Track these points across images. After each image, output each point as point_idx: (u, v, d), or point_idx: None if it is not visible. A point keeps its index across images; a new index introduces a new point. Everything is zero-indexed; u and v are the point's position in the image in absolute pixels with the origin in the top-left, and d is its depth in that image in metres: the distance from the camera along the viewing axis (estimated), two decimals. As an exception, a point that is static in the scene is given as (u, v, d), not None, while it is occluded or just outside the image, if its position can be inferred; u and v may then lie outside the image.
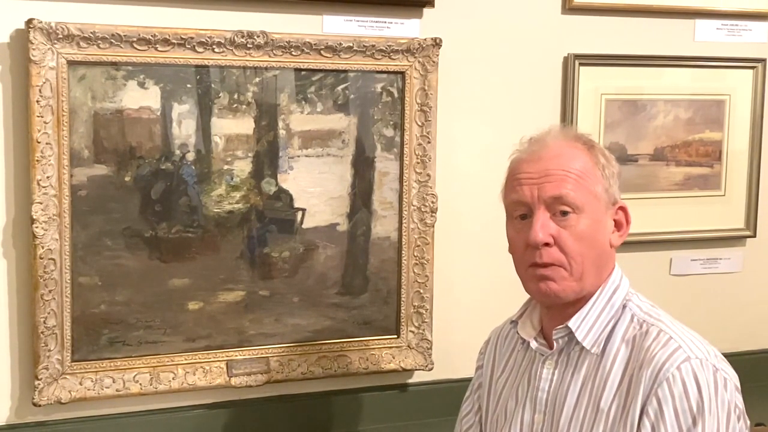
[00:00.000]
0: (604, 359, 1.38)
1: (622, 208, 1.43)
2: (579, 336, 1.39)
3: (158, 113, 1.88)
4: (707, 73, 2.35)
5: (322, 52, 1.97)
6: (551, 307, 1.44)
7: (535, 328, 1.50)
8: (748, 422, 1.39)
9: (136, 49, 1.83)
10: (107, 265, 1.87)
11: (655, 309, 1.43)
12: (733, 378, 1.35)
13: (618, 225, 1.43)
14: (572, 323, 1.40)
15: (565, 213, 1.37)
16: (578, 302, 1.41)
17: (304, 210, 2.02)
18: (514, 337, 1.57)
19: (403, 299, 2.11)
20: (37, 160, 1.78)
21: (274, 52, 1.93)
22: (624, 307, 1.41)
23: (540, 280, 1.39)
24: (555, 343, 1.43)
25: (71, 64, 1.79)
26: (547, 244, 1.37)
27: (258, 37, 1.91)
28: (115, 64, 1.83)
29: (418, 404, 2.15)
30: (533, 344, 1.47)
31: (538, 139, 1.45)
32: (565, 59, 2.22)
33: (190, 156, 1.92)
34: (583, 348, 1.40)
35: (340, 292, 2.07)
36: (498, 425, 1.53)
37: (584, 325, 1.40)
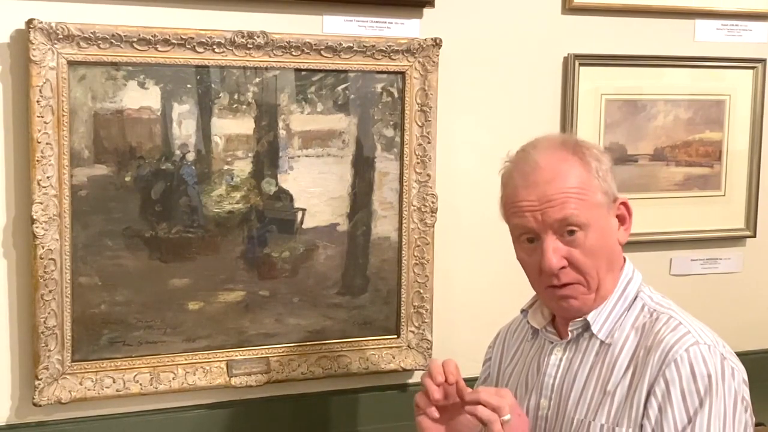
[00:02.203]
0: (613, 345, 1.41)
1: (623, 203, 1.44)
2: (595, 329, 1.42)
3: (158, 113, 1.88)
4: (707, 73, 2.35)
5: (322, 52, 1.97)
6: None
7: (545, 318, 1.52)
8: (754, 418, 1.39)
9: (136, 49, 1.83)
10: (107, 265, 1.87)
11: (666, 300, 1.46)
12: (741, 371, 1.37)
13: (621, 219, 1.44)
14: (591, 317, 1.42)
15: (572, 232, 1.38)
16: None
17: (304, 210, 2.02)
18: (522, 330, 1.60)
19: (403, 299, 2.11)
20: (38, 160, 1.78)
21: (274, 52, 1.93)
22: (636, 297, 1.44)
23: (561, 299, 1.42)
24: (570, 334, 1.45)
25: (71, 64, 1.79)
26: (562, 267, 1.38)
27: (258, 37, 1.91)
28: (115, 65, 1.83)
29: (418, 404, 2.15)
30: (544, 333, 1.50)
31: (527, 158, 1.42)
32: (565, 59, 2.22)
33: (191, 156, 1.92)
34: (592, 335, 1.42)
35: (340, 292, 2.07)
36: None
37: (600, 317, 1.43)
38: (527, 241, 1.42)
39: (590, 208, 1.38)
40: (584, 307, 1.42)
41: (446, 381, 1.43)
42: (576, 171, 1.39)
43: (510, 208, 1.43)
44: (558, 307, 1.44)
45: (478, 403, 1.35)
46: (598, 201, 1.39)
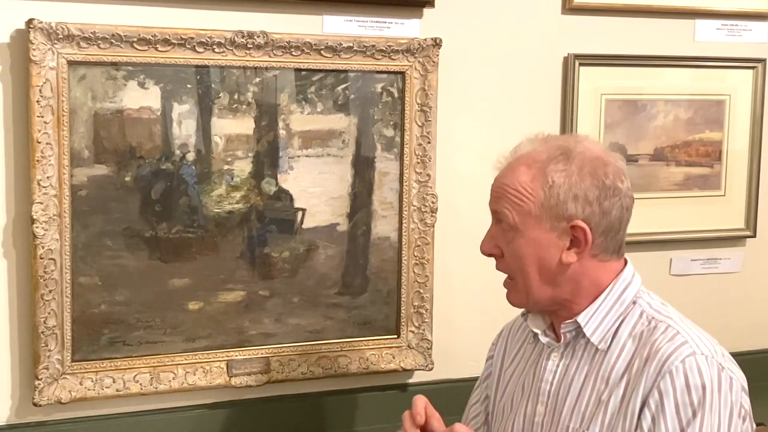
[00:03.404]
0: (609, 353, 1.40)
1: (580, 228, 1.38)
2: (587, 331, 1.41)
3: (158, 113, 1.88)
4: (707, 73, 2.35)
5: (322, 52, 1.97)
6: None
7: (545, 321, 1.52)
8: (754, 426, 1.39)
9: (136, 49, 1.83)
10: (107, 265, 1.87)
11: (666, 306, 1.44)
12: (740, 379, 1.35)
13: (575, 242, 1.39)
14: (581, 318, 1.41)
15: (506, 228, 1.42)
16: (587, 299, 1.42)
17: (304, 210, 2.02)
18: (525, 331, 1.60)
19: (403, 299, 2.11)
20: (38, 160, 1.78)
21: (274, 52, 1.93)
22: (634, 303, 1.42)
23: (505, 287, 1.48)
24: (563, 337, 1.44)
25: (71, 64, 1.79)
26: (495, 255, 1.45)
27: (258, 37, 1.91)
28: (115, 65, 1.83)
29: (418, 404, 2.15)
30: (542, 338, 1.49)
31: (516, 147, 1.47)
32: (565, 59, 2.22)
33: (191, 156, 1.92)
34: (589, 341, 1.41)
35: (340, 292, 2.07)
36: (504, 414, 1.55)
37: (593, 320, 1.41)
38: None
39: (522, 214, 1.39)
40: (519, 304, 1.47)
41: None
42: (526, 176, 1.39)
43: None
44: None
45: None
46: (533, 212, 1.38)
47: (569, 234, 1.38)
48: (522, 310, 1.58)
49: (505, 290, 1.48)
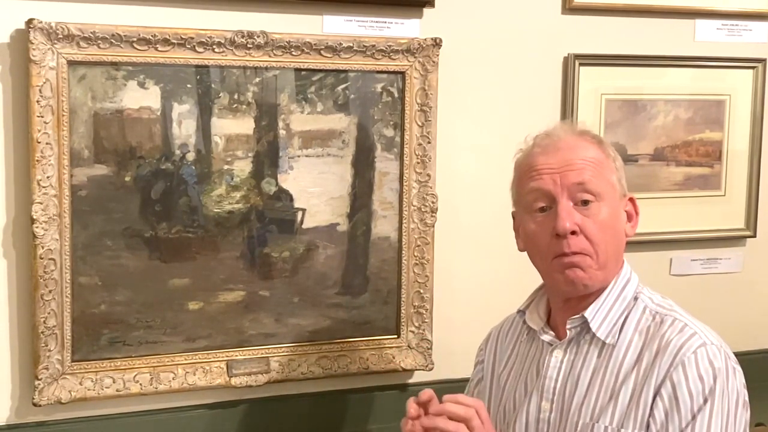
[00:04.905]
0: (617, 348, 1.41)
1: (631, 200, 1.48)
2: (593, 326, 1.42)
3: (158, 113, 1.88)
4: (707, 73, 2.35)
5: (322, 52, 1.97)
6: (569, 299, 1.45)
7: (542, 318, 1.52)
8: (748, 414, 1.41)
9: (136, 49, 1.83)
10: (107, 265, 1.87)
11: (667, 300, 1.47)
12: (741, 372, 1.39)
13: (629, 216, 1.47)
14: (588, 313, 1.42)
15: (586, 202, 1.40)
16: (592, 294, 1.43)
17: (304, 210, 2.02)
18: (516, 330, 1.59)
19: (403, 299, 2.11)
20: (37, 160, 1.78)
21: (274, 52, 1.93)
22: (635, 299, 1.44)
23: (567, 267, 1.40)
24: (567, 333, 1.44)
25: (71, 64, 1.79)
26: (573, 233, 1.39)
27: (258, 37, 1.91)
28: (115, 64, 1.83)
29: (418, 404, 2.15)
30: (544, 336, 1.48)
31: (549, 133, 1.48)
32: (565, 59, 2.22)
33: (190, 156, 1.92)
34: (593, 337, 1.42)
35: (340, 292, 2.07)
36: (507, 415, 1.54)
37: (599, 315, 1.42)
38: (539, 210, 1.43)
39: (605, 182, 1.42)
40: (589, 282, 1.40)
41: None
42: (595, 149, 1.44)
43: (526, 174, 1.45)
44: (563, 279, 1.41)
45: (444, 413, 1.35)
46: (612, 181, 1.43)
47: (624, 207, 1.46)
48: (517, 309, 1.58)
49: (564, 273, 1.40)
